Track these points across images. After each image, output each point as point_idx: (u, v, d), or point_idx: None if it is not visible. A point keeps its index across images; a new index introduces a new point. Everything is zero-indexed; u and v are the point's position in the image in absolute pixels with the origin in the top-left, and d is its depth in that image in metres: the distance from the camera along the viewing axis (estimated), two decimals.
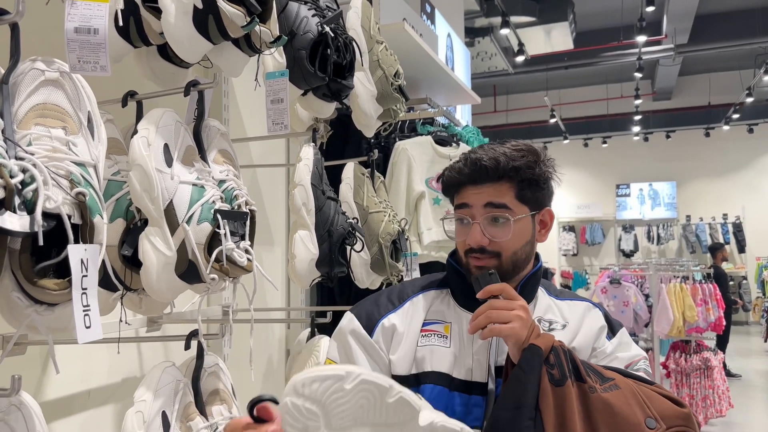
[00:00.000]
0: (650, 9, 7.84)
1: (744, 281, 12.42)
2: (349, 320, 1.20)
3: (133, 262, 1.11)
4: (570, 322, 1.18)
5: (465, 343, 1.14)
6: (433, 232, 2.41)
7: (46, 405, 1.44)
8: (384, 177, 2.29)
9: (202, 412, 1.23)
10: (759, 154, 12.90)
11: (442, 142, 2.54)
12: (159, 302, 1.16)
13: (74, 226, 0.78)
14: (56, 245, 0.80)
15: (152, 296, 1.07)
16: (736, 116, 11.59)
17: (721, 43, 9.93)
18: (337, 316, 1.80)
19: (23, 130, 0.79)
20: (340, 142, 2.43)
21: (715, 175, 13.24)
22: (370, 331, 1.17)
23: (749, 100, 10.55)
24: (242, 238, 1.14)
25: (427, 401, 1.02)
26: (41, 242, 0.73)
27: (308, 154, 1.50)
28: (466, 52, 4.94)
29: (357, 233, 1.53)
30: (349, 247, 1.57)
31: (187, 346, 1.28)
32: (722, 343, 7.23)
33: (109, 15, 0.97)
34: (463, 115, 4.81)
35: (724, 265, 8.43)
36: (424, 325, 1.17)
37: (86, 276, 0.77)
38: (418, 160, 2.41)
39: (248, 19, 1.09)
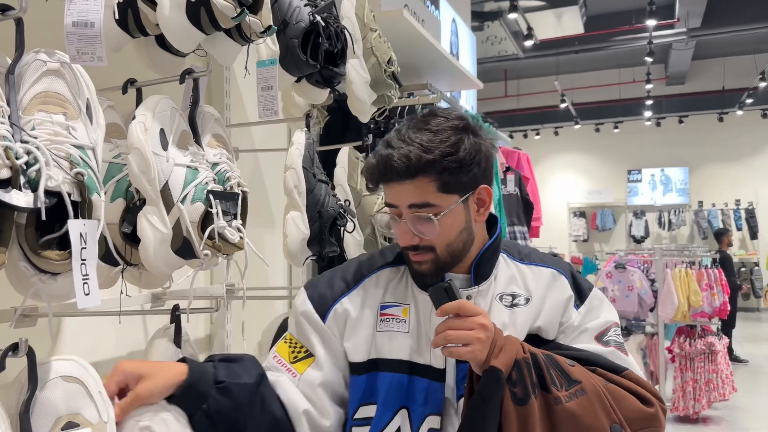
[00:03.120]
0: None
1: (756, 267, 12.38)
2: (303, 301, 1.17)
3: (132, 238, 1.19)
4: (534, 296, 1.14)
5: (423, 326, 1.12)
6: None
7: None
8: None
9: None
10: None
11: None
12: (157, 276, 1.25)
13: (74, 204, 0.86)
14: (58, 221, 0.89)
15: (150, 271, 1.16)
16: (750, 101, 11.49)
17: (736, 26, 9.83)
18: None
19: (27, 116, 0.87)
20: (341, 127, 2.50)
21: (728, 160, 13.15)
22: (323, 315, 1.14)
23: (763, 84, 10.44)
24: (234, 217, 1.22)
25: (389, 387, 1.08)
26: (44, 217, 0.82)
27: (300, 138, 1.57)
28: (472, 37, 4.97)
29: (347, 214, 1.60)
30: (341, 228, 1.65)
31: (172, 320, 1.35)
32: (727, 327, 7.25)
33: (108, 8, 1.05)
34: (467, 100, 4.86)
35: (735, 251, 8.42)
36: (381, 308, 1.14)
37: (85, 248, 0.86)
38: None
39: (238, 10, 1.16)
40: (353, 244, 1.75)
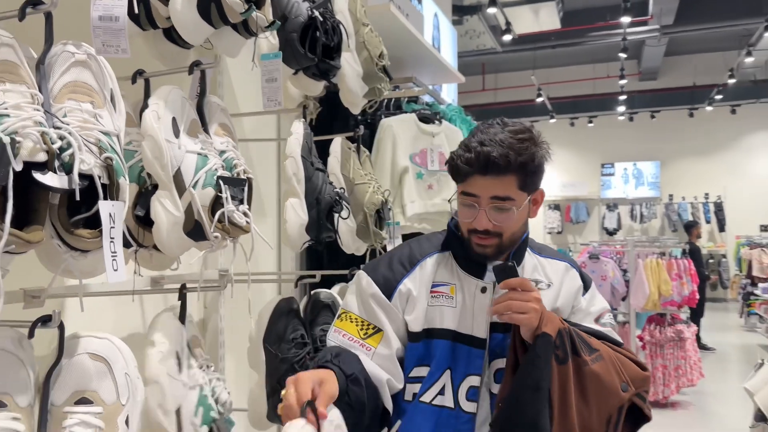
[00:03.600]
0: None
1: (723, 259, 12.74)
2: (368, 283, 1.34)
3: (144, 222, 1.26)
4: (554, 283, 1.37)
5: (467, 303, 1.32)
6: (416, 205, 2.57)
7: None
8: (370, 152, 2.43)
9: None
10: (741, 134, 13.14)
11: (425, 119, 2.68)
12: (167, 258, 1.32)
13: (103, 186, 0.93)
14: (85, 202, 0.95)
15: (163, 251, 1.22)
16: (719, 97, 11.79)
17: (706, 24, 10.08)
18: (325, 279, 1.97)
19: (58, 104, 0.93)
20: (329, 118, 2.57)
21: (698, 155, 13.48)
22: (389, 295, 1.32)
23: (732, 81, 10.74)
24: (241, 202, 1.29)
25: (439, 351, 1.29)
26: (78, 198, 0.88)
27: (299, 128, 1.64)
28: (453, 32, 5.05)
29: (343, 201, 1.68)
30: (336, 215, 1.72)
31: (179, 298, 1.45)
32: (696, 316, 7.49)
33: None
34: (449, 93, 4.94)
35: (703, 243, 8.68)
36: (433, 286, 1.34)
37: (113, 227, 0.92)
38: (403, 137, 2.56)
39: (246, 6, 1.23)
40: (346, 230, 1.83)
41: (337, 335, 1.31)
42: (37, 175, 0.85)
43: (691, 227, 8.69)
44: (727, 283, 12.51)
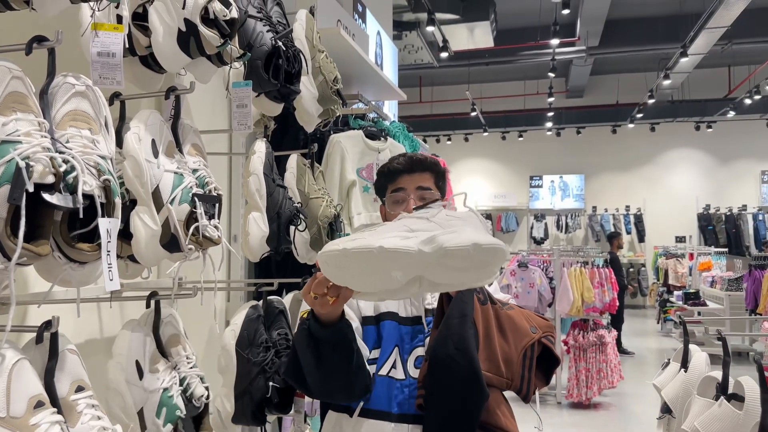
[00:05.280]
0: (565, 12, 8.41)
1: (643, 268, 13.46)
2: None
3: (121, 234, 1.36)
4: None
5: None
6: (363, 217, 2.72)
7: None
8: (319, 165, 2.57)
9: (164, 354, 1.51)
10: (660, 150, 13.99)
11: (371, 136, 2.84)
12: (140, 267, 1.42)
13: (101, 205, 1.04)
14: (80, 219, 1.06)
15: (141, 262, 1.33)
16: (640, 115, 12.50)
17: (629, 47, 10.75)
18: (282, 287, 2.09)
19: (61, 131, 1.03)
20: (280, 133, 2.70)
21: (620, 169, 14.25)
22: None
23: (651, 101, 11.45)
24: (212, 217, 1.41)
25: (387, 332, 1.49)
26: (81, 216, 0.99)
27: (261, 147, 1.77)
28: (394, 49, 5.25)
29: (301, 215, 1.82)
30: (293, 227, 1.86)
31: (148, 305, 1.54)
32: (616, 322, 7.95)
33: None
34: (390, 107, 5.13)
35: (624, 252, 9.20)
36: None
37: (110, 242, 1.03)
38: (351, 152, 2.71)
39: (222, 41, 1.35)
40: (301, 241, 1.96)
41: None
42: (46, 196, 0.96)
43: (613, 238, 9.20)
44: (646, 291, 13.25)
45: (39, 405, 1.00)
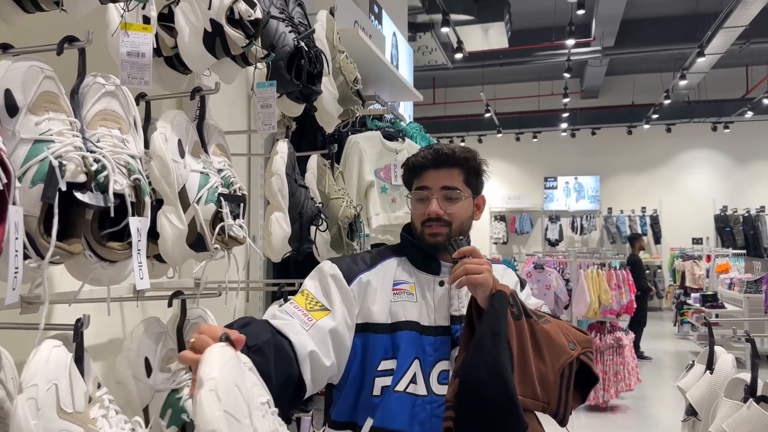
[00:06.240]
0: (580, 12, 8.38)
1: (659, 270, 13.35)
2: (331, 266, 1.43)
3: (147, 234, 1.36)
4: (496, 278, 1.43)
5: (428, 296, 1.44)
6: (380, 217, 2.72)
7: None
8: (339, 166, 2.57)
9: None
10: (676, 151, 13.86)
11: (389, 136, 2.84)
12: (165, 267, 1.43)
13: (131, 204, 1.04)
14: (109, 217, 1.06)
15: (167, 261, 1.34)
16: (655, 116, 12.39)
17: (645, 47, 10.66)
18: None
19: (91, 130, 1.04)
20: (298, 134, 2.71)
21: (635, 170, 14.14)
22: (349, 281, 1.41)
23: (667, 101, 11.35)
24: (237, 216, 1.42)
25: (405, 343, 1.38)
26: (112, 215, 1.00)
27: (283, 148, 1.78)
28: (409, 50, 5.25)
29: (322, 215, 1.82)
30: (314, 228, 1.86)
31: (170, 305, 1.54)
32: (637, 326, 7.88)
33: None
34: (405, 109, 5.13)
35: (642, 254, 9.13)
36: (394, 284, 1.45)
37: (140, 240, 1.04)
38: (369, 153, 2.71)
39: (247, 41, 1.36)
40: (322, 241, 1.97)
41: (290, 305, 1.37)
42: (78, 195, 0.97)
43: (634, 240, 9.11)
44: (663, 293, 13.13)
45: (89, 400, 1.01)
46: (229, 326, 1.22)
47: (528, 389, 1.29)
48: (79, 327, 1.01)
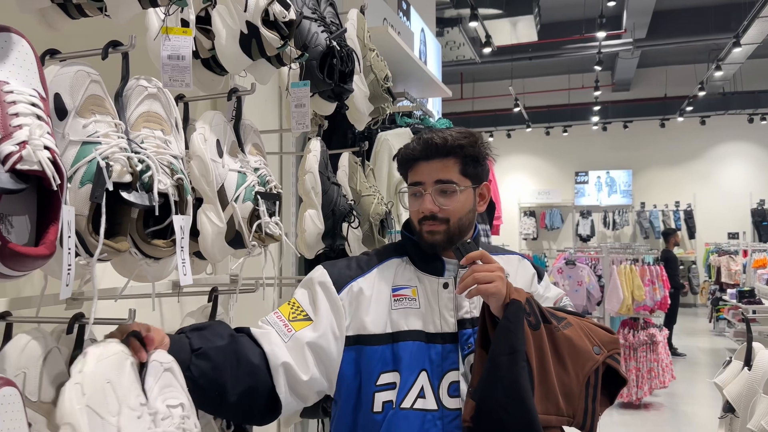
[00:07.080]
0: (611, 4, 8.27)
1: (693, 266, 13.11)
2: (321, 273, 1.35)
3: None
4: (510, 274, 1.34)
5: (431, 301, 1.33)
6: None
7: None
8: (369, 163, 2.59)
9: None
10: (710, 145, 13.59)
11: (418, 133, 2.85)
12: (204, 263, 1.46)
13: (174, 203, 1.08)
14: (153, 216, 1.10)
15: (207, 258, 1.37)
16: (689, 108, 12.17)
17: (677, 38, 10.47)
18: None
19: (135, 132, 1.08)
20: (329, 132, 2.73)
21: (668, 164, 13.90)
22: (339, 288, 1.32)
23: (702, 93, 11.13)
24: (273, 214, 1.45)
25: (409, 354, 1.27)
26: (157, 213, 1.03)
27: (316, 146, 1.81)
28: (437, 46, 5.25)
29: (355, 212, 1.84)
30: (346, 224, 1.89)
31: (210, 300, 1.58)
32: (669, 322, 7.77)
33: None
34: (434, 104, 5.13)
35: (675, 250, 8.98)
36: (394, 290, 1.34)
37: (183, 238, 1.08)
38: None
39: (282, 42, 1.39)
40: (354, 238, 1.99)
41: (273, 315, 1.32)
42: (124, 194, 1.00)
43: (668, 235, 8.95)
44: (697, 289, 12.90)
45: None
46: (180, 331, 1.21)
47: (551, 406, 1.20)
48: (132, 319, 1.03)
